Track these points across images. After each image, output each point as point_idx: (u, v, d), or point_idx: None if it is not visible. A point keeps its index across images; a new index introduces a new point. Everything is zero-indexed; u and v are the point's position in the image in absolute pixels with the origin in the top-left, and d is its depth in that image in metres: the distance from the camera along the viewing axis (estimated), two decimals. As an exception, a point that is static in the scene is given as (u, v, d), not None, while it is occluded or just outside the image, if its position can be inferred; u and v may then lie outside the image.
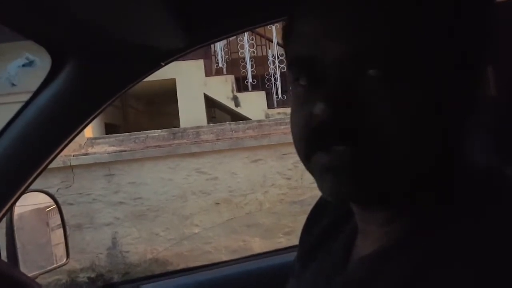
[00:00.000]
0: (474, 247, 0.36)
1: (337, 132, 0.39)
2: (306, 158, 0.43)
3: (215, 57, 6.43)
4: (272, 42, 6.15)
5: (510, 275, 0.34)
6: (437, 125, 0.40)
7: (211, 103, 6.41)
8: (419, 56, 0.38)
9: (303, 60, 0.42)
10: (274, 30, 5.97)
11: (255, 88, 6.12)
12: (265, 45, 6.32)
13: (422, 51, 0.38)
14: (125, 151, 4.61)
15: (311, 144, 0.42)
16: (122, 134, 4.94)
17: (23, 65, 4.77)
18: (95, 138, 4.80)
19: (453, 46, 0.40)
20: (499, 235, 0.36)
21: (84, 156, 4.52)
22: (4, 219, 0.91)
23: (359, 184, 0.40)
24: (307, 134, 0.42)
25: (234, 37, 5.78)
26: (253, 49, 6.26)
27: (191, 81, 5.94)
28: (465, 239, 0.37)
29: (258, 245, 4.45)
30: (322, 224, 0.56)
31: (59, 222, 1.11)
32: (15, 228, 0.95)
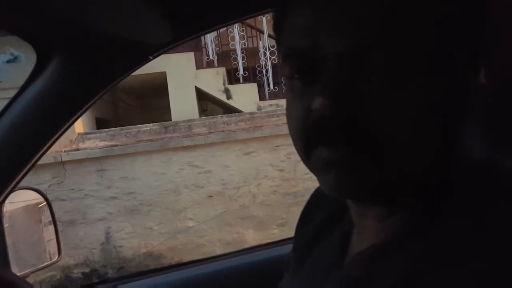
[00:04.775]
0: (473, 244, 0.35)
1: (337, 127, 0.38)
2: (306, 153, 0.42)
3: (206, 50, 6.39)
4: (263, 33, 6.11)
5: (509, 273, 0.33)
6: (437, 119, 0.39)
7: (202, 96, 6.38)
8: (419, 49, 0.37)
9: (299, 53, 0.41)
10: (265, 21, 5.94)
11: (246, 80, 6.10)
12: (256, 36, 6.29)
13: (422, 44, 0.37)
14: (116, 145, 4.58)
15: (310, 140, 0.41)
16: (113, 128, 4.90)
17: (8, 61, 4.72)
18: (86, 133, 4.76)
19: (453, 39, 0.39)
20: (498, 231, 0.36)
21: (75, 152, 4.48)
22: (-7, 218, 0.90)
23: (361, 179, 0.39)
24: (306, 130, 0.41)
25: (225, 29, 5.74)
26: (243, 41, 6.23)
27: (181, 74, 5.90)
28: (463, 236, 0.36)
29: (252, 237, 4.46)
30: (317, 218, 0.56)
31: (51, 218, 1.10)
32: (4, 226, 0.94)
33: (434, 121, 0.39)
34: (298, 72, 0.41)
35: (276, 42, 0.46)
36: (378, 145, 0.38)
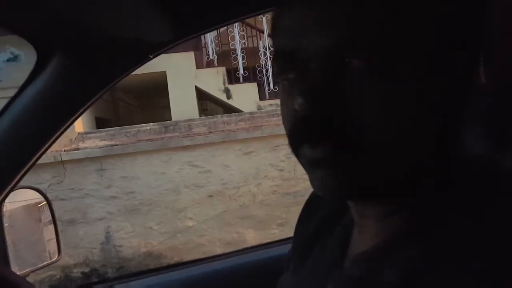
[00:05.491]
0: (473, 244, 0.35)
1: (318, 127, 0.38)
2: (294, 152, 0.43)
3: (206, 49, 6.39)
4: (263, 33, 6.11)
5: (509, 273, 0.33)
6: (426, 117, 0.39)
7: (202, 96, 6.38)
8: (404, 46, 0.37)
9: (285, 54, 0.41)
10: (265, 21, 5.93)
11: (246, 80, 6.10)
12: (256, 36, 6.29)
13: (407, 41, 0.37)
14: (116, 145, 4.58)
15: (296, 139, 0.42)
16: (113, 128, 4.90)
17: (8, 60, 4.73)
18: (86, 133, 4.76)
19: (442, 36, 0.38)
20: (498, 231, 0.36)
21: (75, 151, 4.48)
22: (-7, 217, 0.90)
23: (346, 179, 0.39)
24: (292, 129, 0.42)
25: (225, 28, 5.74)
26: (244, 41, 6.23)
27: (182, 74, 5.91)
28: (463, 236, 0.36)
29: (251, 237, 4.46)
30: (317, 217, 0.56)
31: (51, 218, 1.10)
32: (4, 225, 0.94)
33: (432, 121, 0.39)
34: (286, 71, 0.42)
35: (272, 42, 0.47)
36: (360, 145, 0.38)
